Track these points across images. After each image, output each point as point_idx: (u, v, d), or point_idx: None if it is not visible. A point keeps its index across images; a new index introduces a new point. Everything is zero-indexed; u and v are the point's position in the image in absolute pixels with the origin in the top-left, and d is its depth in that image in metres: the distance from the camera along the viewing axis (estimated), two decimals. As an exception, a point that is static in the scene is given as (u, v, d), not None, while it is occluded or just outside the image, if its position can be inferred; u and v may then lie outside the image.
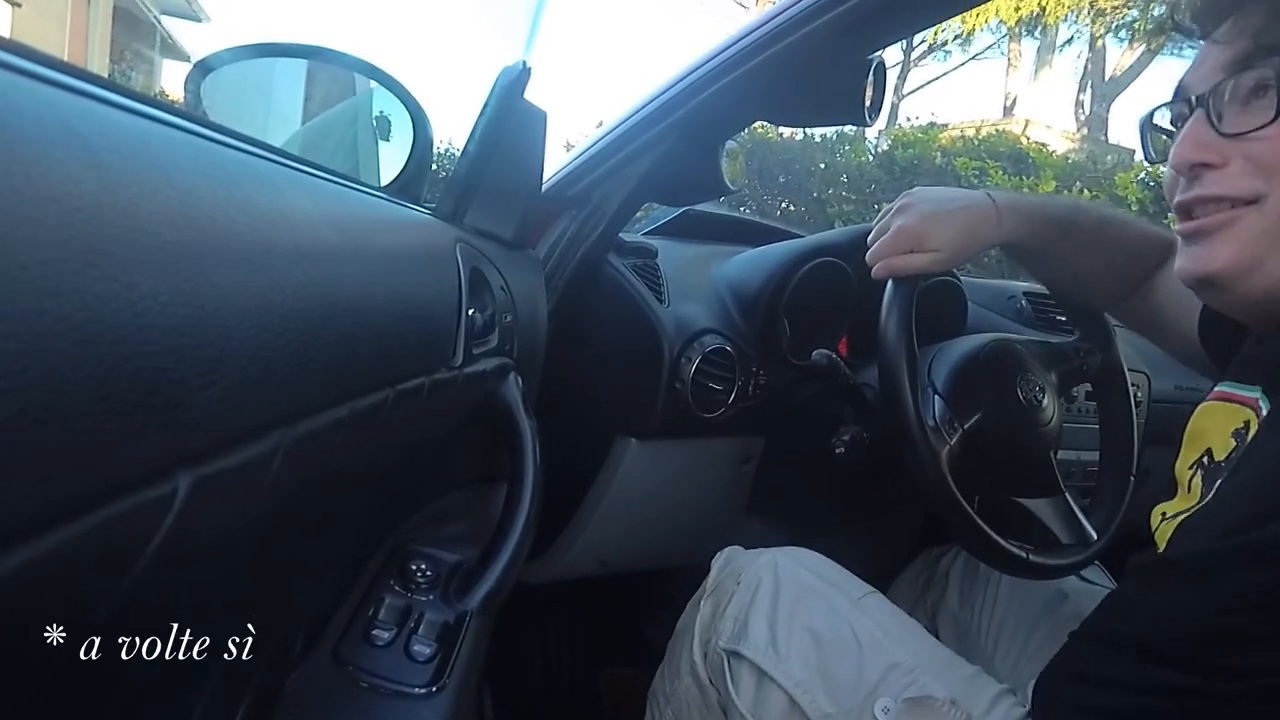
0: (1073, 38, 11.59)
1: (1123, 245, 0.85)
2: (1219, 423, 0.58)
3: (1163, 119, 0.63)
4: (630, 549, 1.15)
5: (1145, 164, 4.72)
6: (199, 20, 12.82)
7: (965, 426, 0.91)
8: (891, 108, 11.61)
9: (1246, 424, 0.55)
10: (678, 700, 0.75)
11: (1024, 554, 0.80)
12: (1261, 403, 0.55)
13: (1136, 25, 10.44)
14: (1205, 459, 0.58)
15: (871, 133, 5.81)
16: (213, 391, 0.26)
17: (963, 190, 0.83)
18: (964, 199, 0.81)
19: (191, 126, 0.31)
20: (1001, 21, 10.69)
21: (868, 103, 0.83)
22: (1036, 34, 11.71)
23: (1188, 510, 0.56)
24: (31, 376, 0.19)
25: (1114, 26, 10.70)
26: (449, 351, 0.56)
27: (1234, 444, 0.56)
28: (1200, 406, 0.62)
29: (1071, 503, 0.90)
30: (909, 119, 6.26)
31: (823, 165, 5.23)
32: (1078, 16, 10.79)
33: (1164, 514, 0.60)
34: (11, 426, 0.19)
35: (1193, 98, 0.56)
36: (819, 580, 0.73)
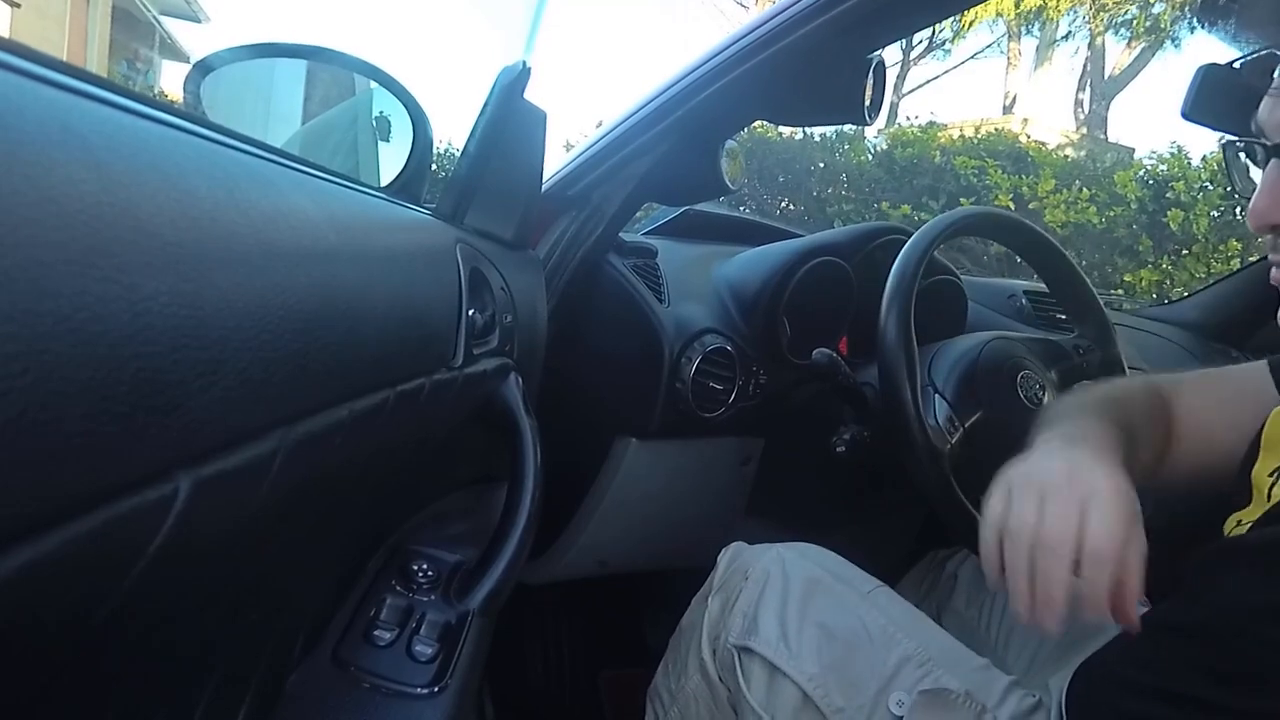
0: (1071, 32, 11.58)
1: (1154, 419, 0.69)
2: None
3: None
4: (630, 549, 1.15)
5: (1144, 162, 4.72)
6: (198, 20, 12.81)
7: (966, 425, 0.91)
8: (891, 107, 11.60)
9: None
10: (684, 698, 0.75)
11: None
12: None
13: (1135, 23, 10.44)
14: None
15: (871, 132, 5.80)
16: (213, 392, 0.26)
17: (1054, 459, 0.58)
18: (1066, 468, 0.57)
19: (191, 127, 0.31)
20: (1000, 15, 10.68)
21: (867, 102, 0.83)
22: (1036, 30, 11.71)
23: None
24: (32, 377, 0.19)
25: (1113, 24, 10.69)
26: (449, 352, 0.56)
27: None
28: (1276, 411, 0.61)
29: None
30: (908, 118, 6.24)
31: (822, 164, 5.23)
32: (1079, 12, 10.78)
33: (1239, 520, 0.58)
34: (12, 427, 0.19)
35: (1268, 143, 0.52)
36: (827, 575, 0.73)
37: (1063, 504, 0.53)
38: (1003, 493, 0.57)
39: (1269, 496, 0.57)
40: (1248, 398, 0.66)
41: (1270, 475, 0.58)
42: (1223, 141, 0.60)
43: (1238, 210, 4.30)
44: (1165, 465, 0.69)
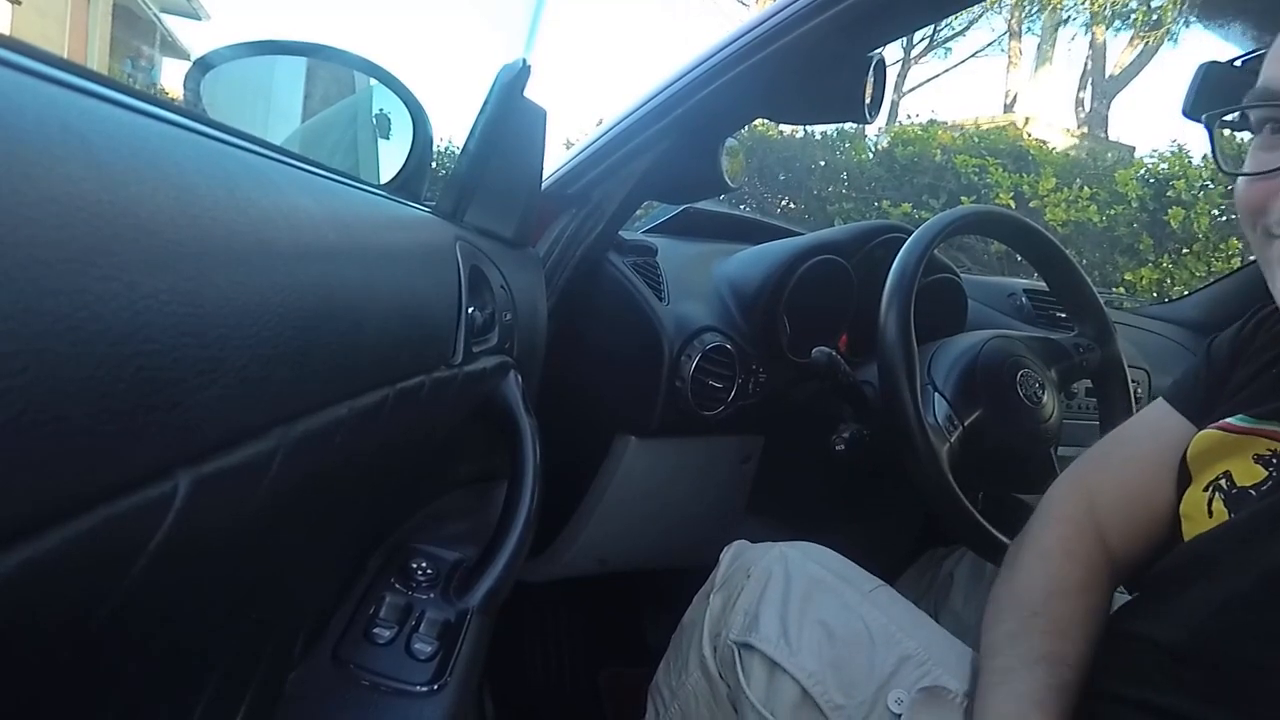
0: (1069, 19, 11.55)
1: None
2: (1229, 449, 0.57)
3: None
4: (630, 548, 1.15)
5: (1145, 161, 4.72)
6: (199, 18, 12.80)
7: (965, 424, 0.91)
8: (891, 105, 11.59)
9: (1274, 452, 0.55)
10: (685, 695, 0.75)
11: None
12: None
13: (1135, 18, 10.44)
14: (1223, 483, 0.57)
15: (872, 130, 5.79)
16: (212, 390, 0.26)
17: None
18: None
19: (191, 124, 0.31)
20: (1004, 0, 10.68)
21: (868, 100, 0.83)
22: (1036, 25, 11.70)
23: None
24: (32, 376, 0.19)
25: (1114, 15, 10.68)
26: (449, 350, 0.56)
27: (1266, 471, 0.55)
28: (1199, 435, 0.61)
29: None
30: (909, 116, 6.24)
31: (823, 163, 5.23)
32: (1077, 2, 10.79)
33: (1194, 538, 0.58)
34: (12, 427, 0.19)
35: None
36: (829, 574, 0.73)
37: None
38: None
39: (1210, 512, 0.57)
40: (1162, 441, 0.66)
41: (1205, 490, 0.58)
42: (1207, 116, 0.58)
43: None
44: (1134, 563, 0.67)
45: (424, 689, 0.56)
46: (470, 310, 0.60)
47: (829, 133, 5.35)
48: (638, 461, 1.03)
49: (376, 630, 0.59)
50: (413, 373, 0.48)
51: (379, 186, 0.67)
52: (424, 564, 0.65)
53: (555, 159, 0.93)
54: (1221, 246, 4.17)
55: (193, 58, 0.72)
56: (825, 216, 5.02)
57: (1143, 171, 4.58)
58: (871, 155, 5.24)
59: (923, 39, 12.63)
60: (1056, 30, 11.81)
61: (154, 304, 0.23)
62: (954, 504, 0.84)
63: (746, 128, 2.01)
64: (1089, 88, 11.63)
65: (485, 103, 0.73)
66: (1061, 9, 11.03)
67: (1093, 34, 11.35)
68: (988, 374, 0.94)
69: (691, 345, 0.98)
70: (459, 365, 0.57)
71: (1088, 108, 11.55)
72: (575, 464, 1.06)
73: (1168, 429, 0.67)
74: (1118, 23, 10.87)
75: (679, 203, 1.23)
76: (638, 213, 1.12)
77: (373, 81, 0.78)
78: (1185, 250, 4.26)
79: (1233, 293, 1.51)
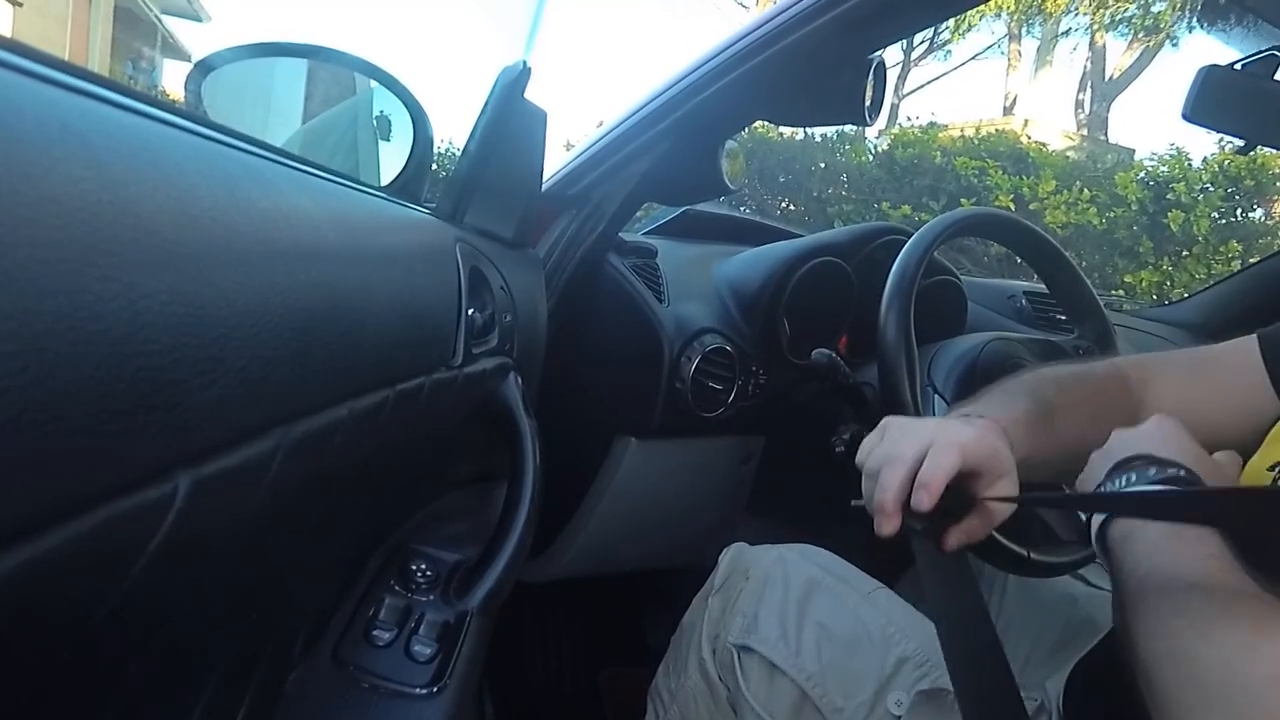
0: (1070, 29, 11.56)
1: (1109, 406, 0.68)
2: None
3: None
4: (630, 548, 1.15)
5: (1145, 164, 4.72)
6: (200, 20, 12.81)
7: (965, 426, 0.90)
8: (891, 107, 11.59)
9: None
10: (684, 697, 0.75)
11: (1025, 552, 0.80)
12: None
13: (1135, 22, 10.44)
14: None
15: (872, 132, 5.81)
16: (212, 391, 0.26)
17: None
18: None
19: (192, 126, 0.31)
20: (1002, 9, 10.67)
21: (868, 102, 0.83)
22: (1036, 29, 11.71)
23: None
24: (31, 376, 0.19)
25: (1114, 21, 10.68)
26: (449, 351, 0.56)
27: None
28: None
29: (1072, 502, 0.90)
30: (909, 118, 6.24)
31: (823, 165, 5.23)
32: (1078, 7, 10.78)
33: None
34: (12, 427, 0.19)
35: None
36: (828, 575, 0.73)
37: (916, 435, 0.58)
38: (879, 431, 0.62)
39: None
40: (1240, 375, 0.65)
41: (1270, 470, 0.57)
42: None
43: (1238, 212, 4.30)
44: None
45: (423, 691, 0.56)
46: (470, 311, 0.60)
47: (829, 135, 5.35)
48: (638, 462, 1.03)
49: (376, 632, 0.59)
50: (413, 374, 0.48)
51: (379, 188, 0.67)
52: (424, 565, 0.65)
53: (556, 160, 0.93)
54: (1221, 249, 4.17)
55: (194, 59, 0.72)
56: (825, 218, 5.03)
57: (1142, 174, 4.58)
58: (871, 157, 5.24)
59: (923, 41, 12.64)
60: (1056, 38, 11.82)
61: (154, 304, 0.23)
62: (954, 506, 0.83)
63: (746, 130, 2.01)
64: (1089, 90, 11.63)
65: (486, 104, 0.73)
66: (1060, 18, 11.03)
67: (1092, 37, 11.36)
68: (988, 376, 0.94)
69: (691, 346, 0.98)
70: (459, 366, 0.57)
71: (1087, 110, 11.56)
72: (575, 464, 1.06)
73: (1243, 366, 0.65)
74: (1123, 28, 10.86)
75: (679, 204, 1.23)
76: (638, 214, 1.12)
77: (373, 83, 0.78)
78: (1185, 253, 4.26)
79: (1233, 295, 1.51)
